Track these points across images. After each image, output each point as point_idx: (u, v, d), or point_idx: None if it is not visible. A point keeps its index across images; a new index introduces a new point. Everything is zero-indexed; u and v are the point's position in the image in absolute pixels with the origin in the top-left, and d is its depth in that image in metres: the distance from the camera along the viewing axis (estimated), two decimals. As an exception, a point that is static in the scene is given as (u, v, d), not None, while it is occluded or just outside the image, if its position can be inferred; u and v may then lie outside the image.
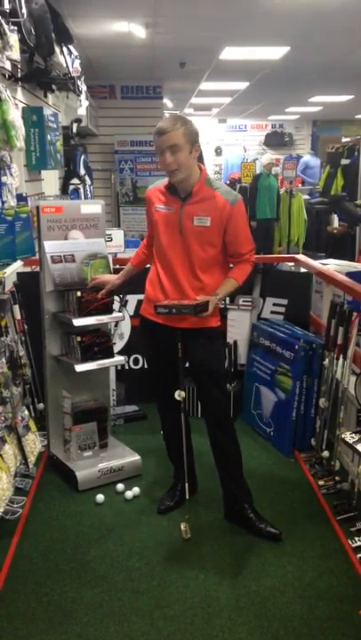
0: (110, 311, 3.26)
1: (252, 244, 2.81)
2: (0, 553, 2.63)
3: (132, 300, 4.08)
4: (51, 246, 3.18)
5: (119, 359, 3.41)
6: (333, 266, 4.58)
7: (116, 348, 3.89)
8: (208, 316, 2.65)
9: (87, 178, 6.54)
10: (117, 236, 4.02)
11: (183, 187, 2.65)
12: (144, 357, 4.06)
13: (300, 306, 4.05)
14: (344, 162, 9.47)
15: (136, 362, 4.18)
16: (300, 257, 4.55)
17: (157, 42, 6.14)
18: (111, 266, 3.36)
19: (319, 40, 6.23)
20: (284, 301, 4.07)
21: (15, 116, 3.02)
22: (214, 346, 2.83)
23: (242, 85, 9.17)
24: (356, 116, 14.21)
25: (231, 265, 2.81)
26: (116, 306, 3.96)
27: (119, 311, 3.94)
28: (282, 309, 4.08)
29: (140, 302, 4.03)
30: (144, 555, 2.64)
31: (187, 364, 2.81)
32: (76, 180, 6.10)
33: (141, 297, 3.93)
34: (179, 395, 2.78)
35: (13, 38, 2.89)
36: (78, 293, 3.13)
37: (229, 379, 3.92)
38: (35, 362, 3.66)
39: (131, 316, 4.08)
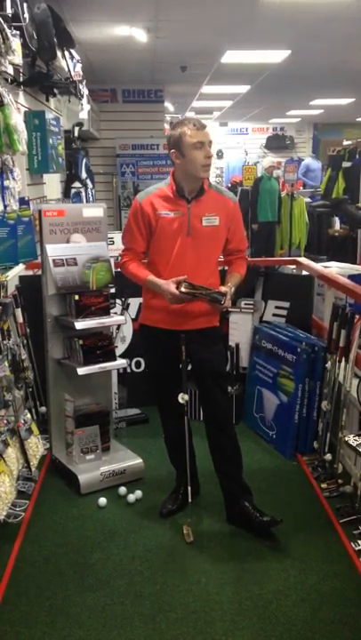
0: (108, 314, 3.26)
1: (247, 242, 2.97)
2: (3, 556, 2.63)
3: (134, 303, 4.08)
4: (53, 250, 3.19)
5: (121, 362, 3.41)
6: (335, 268, 4.58)
7: (118, 352, 3.88)
8: (228, 307, 2.69)
9: (89, 181, 6.56)
10: (119, 239, 4.02)
11: (193, 187, 2.67)
12: (146, 362, 4.06)
13: (302, 309, 4.05)
14: (345, 165, 9.47)
15: (138, 365, 4.18)
16: (302, 260, 4.55)
17: (159, 46, 6.16)
18: (113, 269, 3.36)
19: (320, 44, 6.24)
20: (286, 304, 4.07)
21: (17, 120, 3.03)
22: (217, 346, 2.84)
23: (243, 89, 9.19)
24: (358, 119, 14.24)
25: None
26: (118, 309, 3.97)
27: (121, 314, 3.94)
28: (284, 312, 4.08)
29: (141, 305, 4.05)
30: (146, 558, 2.64)
31: (188, 367, 2.81)
32: (77, 184, 6.12)
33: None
34: (182, 398, 2.77)
35: (16, 43, 2.90)
36: (76, 297, 3.14)
37: (231, 382, 3.92)
38: (37, 365, 3.66)
39: (132, 320, 4.08)
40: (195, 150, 2.59)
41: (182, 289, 2.57)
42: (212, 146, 2.70)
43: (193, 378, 2.85)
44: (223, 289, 2.64)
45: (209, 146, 2.63)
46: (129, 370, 4.13)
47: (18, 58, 2.95)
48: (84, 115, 6.27)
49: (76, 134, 6.19)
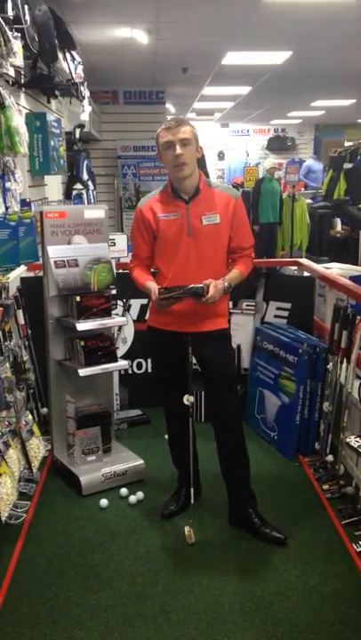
0: (110, 315, 3.26)
1: (252, 239, 2.85)
2: (4, 558, 2.64)
3: (136, 304, 4.08)
4: (54, 251, 3.19)
5: (123, 363, 3.41)
6: (336, 269, 4.58)
7: (120, 353, 3.89)
8: (214, 302, 2.57)
9: (90, 183, 6.57)
10: (120, 240, 4.04)
11: (187, 188, 2.65)
12: (152, 364, 4.06)
13: (303, 310, 4.05)
14: (347, 166, 9.48)
15: (139, 366, 4.18)
16: (304, 261, 4.54)
17: (160, 47, 6.17)
18: (114, 270, 3.36)
19: (321, 45, 6.25)
20: (288, 305, 4.07)
21: (19, 122, 3.04)
22: (225, 348, 2.83)
23: (244, 90, 9.20)
24: (359, 120, 14.24)
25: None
26: (119, 310, 3.98)
27: (122, 315, 3.95)
28: (285, 313, 4.08)
29: (143, 307, 4.06)
30: (148, 559, 2.64)
31: (193, 368, 2.81)
32: (79, 185, 6.13)
33: (144, 301, 3.97)
34: (187, 399, 2.77)
35: (17, 45, 2.91)
36: (78, 298, 3.14)
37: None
38: (38, 366, 3.67)
39: (134, 321, 4.09)
40: (165, 150, 2.60)
41: (159, 295, 2.56)
42: (192, 144, 2.58)
43: (198, 379, 2.85)
44: (205, 282, 2.55)
45: (180, 144, 2.55)
46: (130, 371, 4.13)
47: (19, 60, 2.96)
48: (85, 116, 6.29)
49: (77, 136, 6.20)
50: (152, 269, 2.84)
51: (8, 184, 3.15)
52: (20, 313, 3.52)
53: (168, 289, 2.57)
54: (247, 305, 4.13)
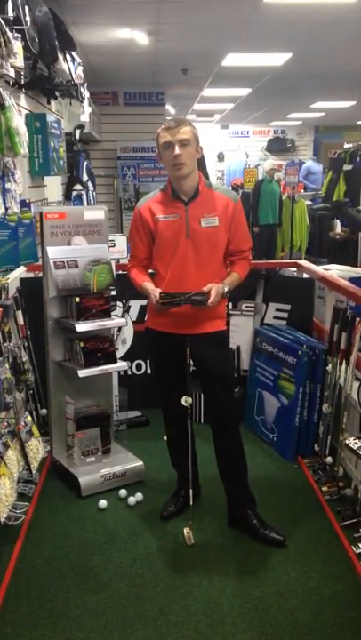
0: (109, 316, 3.26)
1: (251, 242, 2.86)
2: (3, 559, 2.63)
3: (135, 305, 4.08)
4: (54, 252, 3.19)
5: (122, 365, 3.41)
6: (336, 271, 4.58)
7: (119, 354, 3.89)
8: (213, 304, 2.59)
9: (90, 184, 6.57)
10: (120, 241, 4.04)
11: (186, 189, 2.65)
12: (151, 365, 4.06)
13: (302, 311, 4.05)
14: (346, 167, 9.49)
15: (139, 367, 4.18)
16: (303, 262, 4.54)
17: (160, 48, 6.17)
18: (114, 271, 3.36)
19: (321, 47, 6.26)
20: (287, 307, 4.07)
21: (19, 122, 3.04)
22: (223, 349, 2.83)
23: (244, 92, 9.21)
24: (358, 122, 14.26)
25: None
26: (119, 311, 3.98)
27: (122, 317, 3.95)
28: (285, 315, 4.08)
29: (142, 308, 4.06)
30: (147, 561, 2.63)
31: (192, 369, 2.81)
32: (78, 186, 6.13)
33: (143, 302, 3.97)
34: (185, 400, 2.77)
35: (17, 46, 2.91)
36: (77, 299, 3.15)
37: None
38: (38, 367, 3.67)
39: (133, 322, 4.09)
40: (165, 151, 2.61)
41: (160, 299, 2.56)
42: (191, 145, 2.59)
43: (196, 380, 2.85)
44: (204, 288, 2.57)
45: (180, 144, 2.56)
46: (130, 372, 4.13)
47: (19, 61, 2.96)
48: (85, 117, 6.29)
49: (77, 137, 6.21)
50: (150, 270, 2.85)
51: (8, 185, 3.15)
52: (19, 314, 3.52)
53: (170, 294, 2.58)
54: (247, 306, 4.13)
